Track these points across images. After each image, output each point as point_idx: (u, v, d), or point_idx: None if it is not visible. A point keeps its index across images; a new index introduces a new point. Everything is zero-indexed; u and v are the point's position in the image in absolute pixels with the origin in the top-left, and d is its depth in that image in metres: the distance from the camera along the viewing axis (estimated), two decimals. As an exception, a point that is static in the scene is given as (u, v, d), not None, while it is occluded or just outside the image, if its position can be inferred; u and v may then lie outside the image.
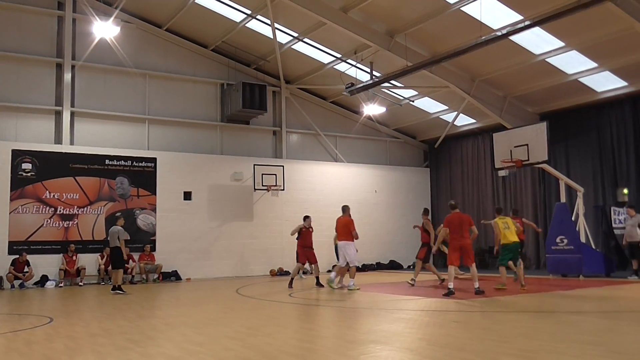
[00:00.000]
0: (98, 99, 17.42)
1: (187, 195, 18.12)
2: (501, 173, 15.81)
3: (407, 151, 23.34)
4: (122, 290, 13.10)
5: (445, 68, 16.94)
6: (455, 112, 19.93)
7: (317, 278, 13.98)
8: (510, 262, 12.31)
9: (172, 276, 17.24)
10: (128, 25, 17.50)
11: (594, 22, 13.45)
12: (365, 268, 20.07)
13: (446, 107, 20.33)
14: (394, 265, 21.12)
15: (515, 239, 12.10)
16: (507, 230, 12.07)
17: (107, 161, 16.96)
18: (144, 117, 18.08)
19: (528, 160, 14.27)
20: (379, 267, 20.79)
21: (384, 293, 12.14)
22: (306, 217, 14.76)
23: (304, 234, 14.48)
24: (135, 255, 16.83)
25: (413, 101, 20.27)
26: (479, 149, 21.06)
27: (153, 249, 17.23)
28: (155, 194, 17.58)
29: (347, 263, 12.78)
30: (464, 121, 20.98)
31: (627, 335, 6.34)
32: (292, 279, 14.02)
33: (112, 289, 13.18)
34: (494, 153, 15.34)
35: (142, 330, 7.39)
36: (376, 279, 16.02)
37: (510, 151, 14.64)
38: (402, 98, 20.28)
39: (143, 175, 17.44)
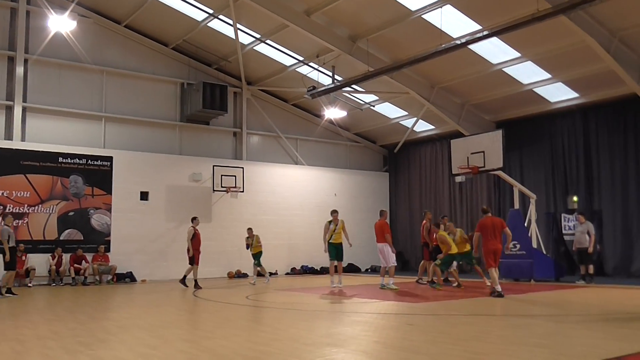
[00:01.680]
0: (52, 95, 16.96)
1: (144, 196, 17.81)
2: (458, 179, 16.12)
3: (367, 155, 23.54)
4: (13, 293, 12.54)
5: (406, 74, 17.19)
6: (415, 118, 20.22)
7: (193, 280, 14.47)
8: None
9: (127, 277, 16.92)
10: (85, 20, 17.13)
11: (549, 34, 13.88)
12: (323, 271, 20.13)
13: (406, 113, 20.60)
14: (352, 268, 21.23)
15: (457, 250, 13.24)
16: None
17: (60, 159, 16.51)
18: (100, 114, 17.69)
19: (484, 167, 14.60)
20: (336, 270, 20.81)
21: (340, 296, 12.20)
22: (194, 219, 14.92)
23: (197, 236, 14.64)
24: (89, 256, 16.44)
25: (374, 106, 20.47)
26: (437, 155, 21.42)
27: (107, 249, 16.86)
28: (111, 194, 17.21)
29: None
30: (423, 127, 21.30)
31: (574, 339, 6.55)
32: (195, 280, 14.44)
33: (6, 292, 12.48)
34: (452, 159, 15.64)
35: (93, 333, 7.23)
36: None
37: (467, 158, 14.96)
38: (363, 103, 20.45)
39: (98, 174, 17.06)
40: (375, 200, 22.80)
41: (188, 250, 14.47)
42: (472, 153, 14.86)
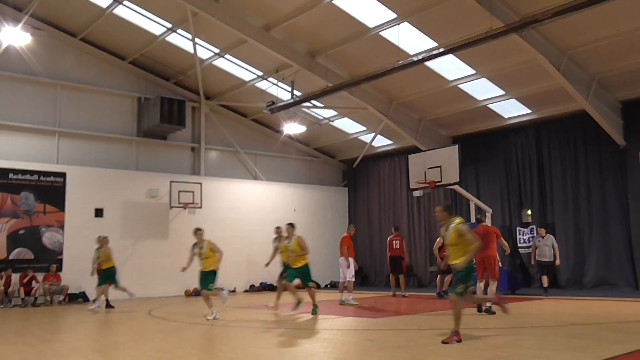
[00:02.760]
0: (4, 109, 16.45)
1: (99, 212, 17.37)
2: (416, 194, 16.32)
3: (326, 170, 23.61)
4: None
5: (364, 90, 17.38)
6: (373, 133, 20.43)
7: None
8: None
9: (80, 298, 16.41)
10: (39, 33, 16.67)
11: (502, 52, 14.29)
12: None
13: (364, 128, 20.80)
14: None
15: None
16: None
17: (10, 175, 15.98)
18: (54, 129, 17.24)
19: (441, 181, 14.83)
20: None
21: (299, 312, 12.12)
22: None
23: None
24: (40, 276, 15.88)
25: (332, 121, 20.60)
26: (395, 170, 21.66)
27: (59, 269, 16.33)
28: (64, 211, 16.73)
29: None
30: (381, 142, 21.54)
31: (530, 350, 6.67)
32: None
33: None
34: (409, 174, 15.83)
35: (43, 356, 6.97)
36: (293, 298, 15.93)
37: (425, 172, 15.16)
38: (322, 118, 20.56)
39: (51, 190, 16.56)
40: (335, 215, 22.87)
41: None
42: (429, 168, 15.08)
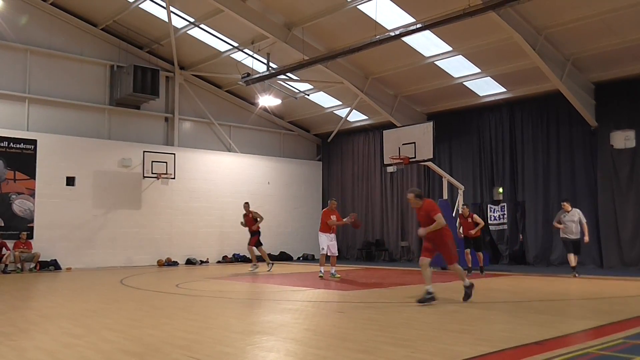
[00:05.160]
0: (-30, 73, 16.02)
1: (70, 181, 17.15)
2: (389, 169, 16.48)
3: (300, 144, 23.60)
4: None
5: (341, 64, 17.32)
6: (349, 108, 20.44)
7: None
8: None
9: (51, 265, 16.28)
10: (8, -4, 16.21)
11: (479, 30, 14.35)
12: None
13: (340, 103, 20.79)
14: (283, 257, 21.32)
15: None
16: None
17: (-21, 141, 15.64)
18: (24, 95, 16.86)
19: (415, 157, 14.98)
20: (269, 258, 20.83)
21: (272, 284, 12.24)
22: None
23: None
24: (10, 243, 15.69)
25: (308, 95, 20.52)
26: (369, 145, 21.76)
27: (30, 236, 16.14)
28: (35, 178, 16.47)
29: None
30: (356, 117, 21.57)
31: (496, 324, 6.87)
32: None
33: None
34: (384, 149, 15.94)
35: (14, 323, 6.93)
36: (264, 270, 16.09)
37: (399, 148, 15.29)
38: (297, 91, 20.46)
39: (21, 157, 16.27)
40: (308, 189, 22.96)
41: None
42: (403, 144, 15.20)
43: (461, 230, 14.24)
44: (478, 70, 16.69)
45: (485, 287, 11.04)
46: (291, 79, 19.14)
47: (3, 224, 15.84)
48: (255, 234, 15.46)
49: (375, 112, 19.91)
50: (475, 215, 14.08)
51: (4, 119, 16.43)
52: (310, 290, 10.92)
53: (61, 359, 4.98)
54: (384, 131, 16.28)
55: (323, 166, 23.70)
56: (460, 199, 16.53)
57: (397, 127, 17.26)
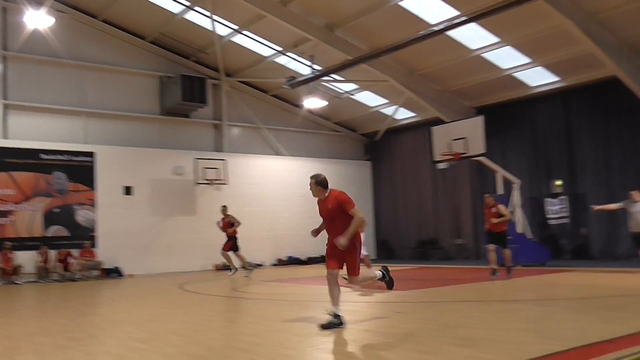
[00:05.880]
0: (33, 91, 16.76)
1: (128, 190, 17.70)
2: (440, 166, 16.22)
3: (348, 144, 23.56)
4: None
5: (384, 62, 17.20)
6: (395, 106, 20.28)
7: None
8: None
9: (114, 272, 16.83)
10: (62, 15, 16.83)
11: (527, 18, 13.98)
12: (310, 261, 20.20)
13: (386, 101, 20.65)
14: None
15: None
16: None
17: (42, 155, 16.35)
18: (80, 109, 17.50)
19: (466, 153, 14.71)
20: (324, 259, 20.85)
21: (327, 285, 12.23)
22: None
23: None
24: (75, 252, 16.34)
25: (353, 95, 20.48)
26: (418, 142, 21.51)
27: (93, 245, 16.76)
28: (94, 189, 17.07)
29: None
30: (403, 115, 21.38)
31: (563, 322, 6.63)
32: None
33: None
34: (433, 146, 15.72)
35: (83, 328, 7.20)
36: (322, 272, 16.11)
37: (449, 144, 15.04)
38: (342, 92, 20.45)
39: (81, 169, 16.91)
40: (358, 189, 22.85)
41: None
42: (453, 139, 14.95)
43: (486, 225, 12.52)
44: (528, 60, 16.26)
45: (549, 284, 10.72)
46: (335, 80, 19.15)
47: (69, 234, 16.49)
48: (231, 239, 14.95)
49: (422, 109, 19.68)
50: (501, 206, 12.30)
51: (63, 134, 17.10)
52: (366, 291, 10.88)
53: (130, 363, 5.13)
54: (432, 127, 16.06)
55: (372, 166, 23.58)
56: (516, 194, 16.11)
57: (445, 122, 16.99)
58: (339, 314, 6.50)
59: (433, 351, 5.12)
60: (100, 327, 7.41)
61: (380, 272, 7.49)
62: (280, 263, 20.25)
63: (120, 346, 5.95)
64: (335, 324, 6.45)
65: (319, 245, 20.34)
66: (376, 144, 23.06)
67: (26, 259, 15.68)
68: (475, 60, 16.63)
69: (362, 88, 19.90)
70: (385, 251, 22.47)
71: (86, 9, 17.60)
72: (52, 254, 16.06)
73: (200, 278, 15.54)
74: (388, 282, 7.60)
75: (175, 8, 16.99)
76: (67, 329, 7.12)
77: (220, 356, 5.30)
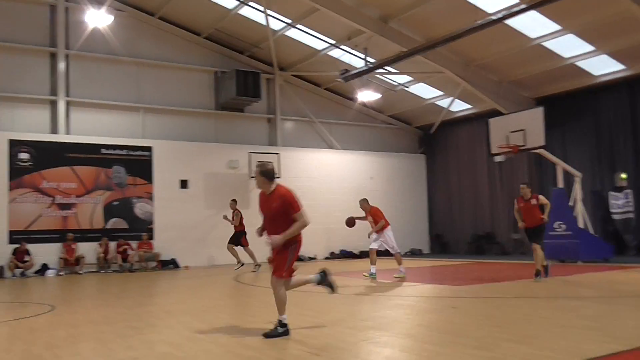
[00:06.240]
0: (92, 88, 17.31)
1: (184, 184, 18.09)
2: (497, 159, 15.83)
3: (402, 137, 23.31)
4: None
5: (440, 53, 16.87)
6: (451, 98, 19.90)
7: None
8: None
9: (171, 264, 17.26)
10: (120, 14, 17.32)
11: (591, 4, 13.41)
12: (363, 255, 20.13)
13: (441, 93, 20.29)
14: (390, 252, 21.13)
15: None
16: None
17: (102, 150, 16.91)
18: (138, 105, 17.98)
19: (524, 145, 14.27)
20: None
21: (380, 279, 12.17)
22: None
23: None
24: (134, 244, 16.85)
25: (408, 87, 20.22)
26: (474, 135, 21.03)
27: (151, 237, 17.24)
28: (152, 183, 17.54)
29: None
30: (459, 107, 20.96)
31: (627, 320, 6.36)
32: None
33: None
34: (490, 138, 15.33)
35: (142, 318, 7.40)
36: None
37: (507, 136, 14.63)
38: (396, 84, 20.22)
39: (139, 163, 17.39)
40: (412, 183, 22.65)
41: None
42: (511, 132, 14.52)
43: (520, 220, 10.81)
44: (592, 48, 15.59)
45: (612, 281, 10.29)
46: (390, 72, 18.95)
47: (127, 226, 17.03)
48: (241, 234, 15.00)
49: (479, 100, 19.23)
50: (541, 197, 10.74)
51: (122, 129, 17.63)
52: (421, 286, 10.75)
53: (186, 351, 5.22)
54: (489, 119, 15.66)
55: (427, 159, 23.24)
56: (577, 187, 15.51)
57: (503, 114, 16.51)
58: (285, 322, 5.85)
59: (489, 347, 4.99)
60: (158, 316, 7.59)
61: (318, 276, 6.44)
62: (333, 256, 20.27)
63: (177, 335, 6.07)
64: (279, 333, 5.78)
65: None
66: (431, 137, 22.71)
67: (87, 250, 16.27)
68: (535, 50, 16.08)
69: (417, 80, 19.61)
70: (440, 245, 22.16)
71: (144, 6, 18.04)
72: (112, 245, 16.61)
73: (253, 270, 15.70)
74: (328, 286, 6.54)
75: (230, 4, 17.19)
76: (126, 318, 7.33)
77: (274, 346, 5.33)
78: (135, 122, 17.98)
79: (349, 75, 17.07)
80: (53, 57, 16.83)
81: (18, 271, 15.13)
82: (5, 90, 16.05)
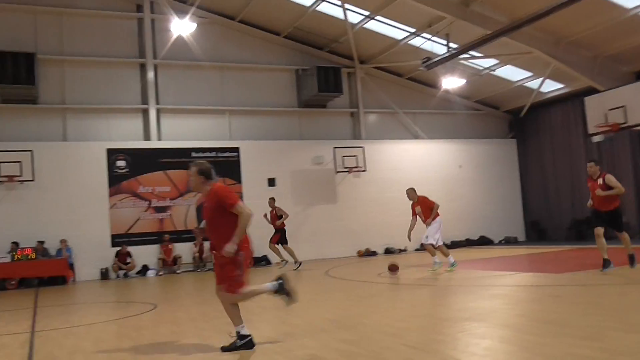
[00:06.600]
0: (180, 95, 18.02)
1: (271, 182, 18.46)
2: (596, 139, 14.92)
3: (490, 123, 22.53)
4: None
5: (527, 33, 16.07)
6: (541, 78, 18.99)
7: None
8: None
9: (262, 261, 17.66)
10: (203, 21, 17.89)
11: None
12: (454, 245, 19.71)
13: (530, 74, 19.40)
14: (484, 241, 20.57)
15: None
16: None
17: (193, 153, 17.54)
18: (223, 108, 18.53)
19: (626, 123, 13.35)
20: (468, 243, 20.30)
21: (475, 269, 11.83)
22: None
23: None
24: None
25: (494, 70, 19.51)
26: (568, 115, 19.92)
27: (242, 235, 17.70)
28: (241, 182, 18.04)
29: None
30: (550, 87, 19.93)
31: None
32: None
33: None
34: (587, 118, 14.48)
35: (254, 313, 7.59)
36: (467, 256, 15.65)
37: (605, 115, 13.76)
38: (481, 68, 19.56)
39: (228, 164, 17.93)
40: (503, 169, 21.85)
41: None
42: (610, 109, 13.65)
43: (590, 201, 9.87)
44: (696, 12, 14.34)
45: None
46: (474, 57, 18.35)
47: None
48: (279, 232, 14.97)
49: (571, 79, 18.19)
50: (609, 176, 9.57)
51: (210, 132, 18.24)
52: (517, 275, 10.34)
53: (284, 346, 5.30)
54: (585, 98, 14.80)
55: (517, 144, 22.32)
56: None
57: (599, 91, 15.54)
58: (245, 333, 5.31)
59: (595, 337, 4.70)
60: (253, 312, 7.76)
61: (276, 284, 5.69)
62: (423, 248, 19.88)
63: (273, 330, 6.19)
64: (238, 346, 5.25)
65: (463, 229, 19.96)
66: (521, 121, 21.77)
67: (183, 250, 16.98)
68: (633, 20, 14.96)
69: (503, 62, 18.86)
70: (537, 232, 21.23)
71: (224, 11, 18.52)
72: (206, 244, 17.21)
73: (344, 264, 15.78)
74: (286, 294, 5.74)
75: (307, 1, 17.30)
76: (224, 315, 7.51)
77: (370, 340, 5.29)
78: (222, 124, 18.54)
79: (432, 62, 16.70)
80: (142, 67, 17.68)
81: (121, 272, 16.07)
82: (101, 102, 17.05)
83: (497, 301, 7.28)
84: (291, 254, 14.97)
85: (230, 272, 5.25)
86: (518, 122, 22.04)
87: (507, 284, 8.99)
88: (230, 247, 5.13)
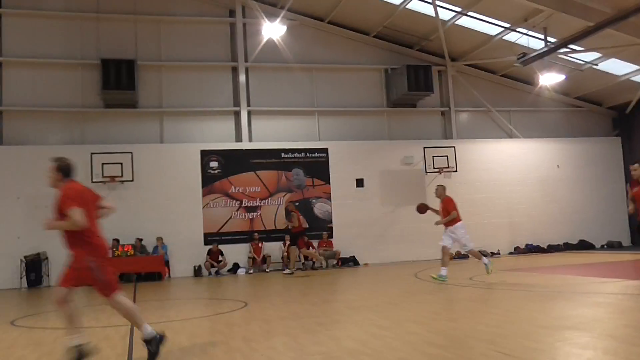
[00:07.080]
0: (270, 97, 18.38)
1: (360, 183, 18.41)
2: None
3: (591, 120, 21.25)
4: None
5: (635, 23, 15.00)
6: (649, 72, 17.69)
7: None
8: None
9: (350, 261, 17.66)
10: (292, 23, 18.16)
11: None
12: (551, 249, 18.80)
13: (637, 67, 18.12)
14: (584, 245, 19.44)
15: None
16: None
17: (282, 154, 17.88)
18: (313, 109, 18.71)
19: None
20: (566, 247, 19.27)
21: (575, 275, 11.18)
22: None
23: None
24: (315, 243, 17.54)
25: (596, 64, 18.40)
26: (681, 111, 18.43)
27: (330, 235, 17.81)
28: (329, 183, 18.12)
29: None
30: (660, 81, 18.53)
31: None
32: None
33: None
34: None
35: (327, 314, 7.61)
36: (565, 260, 14.86)
37: None
38: (582, 62, 18.50)
39: (316, 165, 18.08)
40: (606, 169, 20.55)
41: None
42: None
43: (631, 205, 8.82)
44: None
45: None
46: (574, 51, 17.38)
47: (308, 226, 17.78)
48: (298, 235, 14.88)
49: (685, 71, 16.80)
50: None
51: (300, 133, 18.48)
52: (623, 282, 9.65)
53: (372, 348, 5.21)
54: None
55: (622, 142, 20.90)
56: None
57: None
58: (149, 337, 4.96)
59: None
60: (342, 312, 7.76)
61: (153, 333, 5.08)
62: (518, 251, 19.14)
63: (362, 332, 6.12)
64: (153, 352, 4.94)
65: (561, 232, 19.03)
66: (627, 117, 20.37)
67: (272, 249, 17.28)
68: None
69: (607, 56, 17.74)
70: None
71: (314, 13, 18.70)
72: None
73: (433, 266, 15.42)
74: (151, 350, 5.01)
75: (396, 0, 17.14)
76: (312, 314, 7.59)
77: (462, 346, 5.11)
78: (311, 125, 18.72)
79: (528, 58, 16.00)
80: (234, 70, 18.20)
81: (213, 270, 16.60)
82: (196, 105, 17.74)
83: (601, 309, 6.81)
84: (292, 260, 15.13)
85: (99, 278, 5.01)
86: (623, 119, 20.66)
87: (611, 292, 8.41)
88: (51, 222, 5.04)
